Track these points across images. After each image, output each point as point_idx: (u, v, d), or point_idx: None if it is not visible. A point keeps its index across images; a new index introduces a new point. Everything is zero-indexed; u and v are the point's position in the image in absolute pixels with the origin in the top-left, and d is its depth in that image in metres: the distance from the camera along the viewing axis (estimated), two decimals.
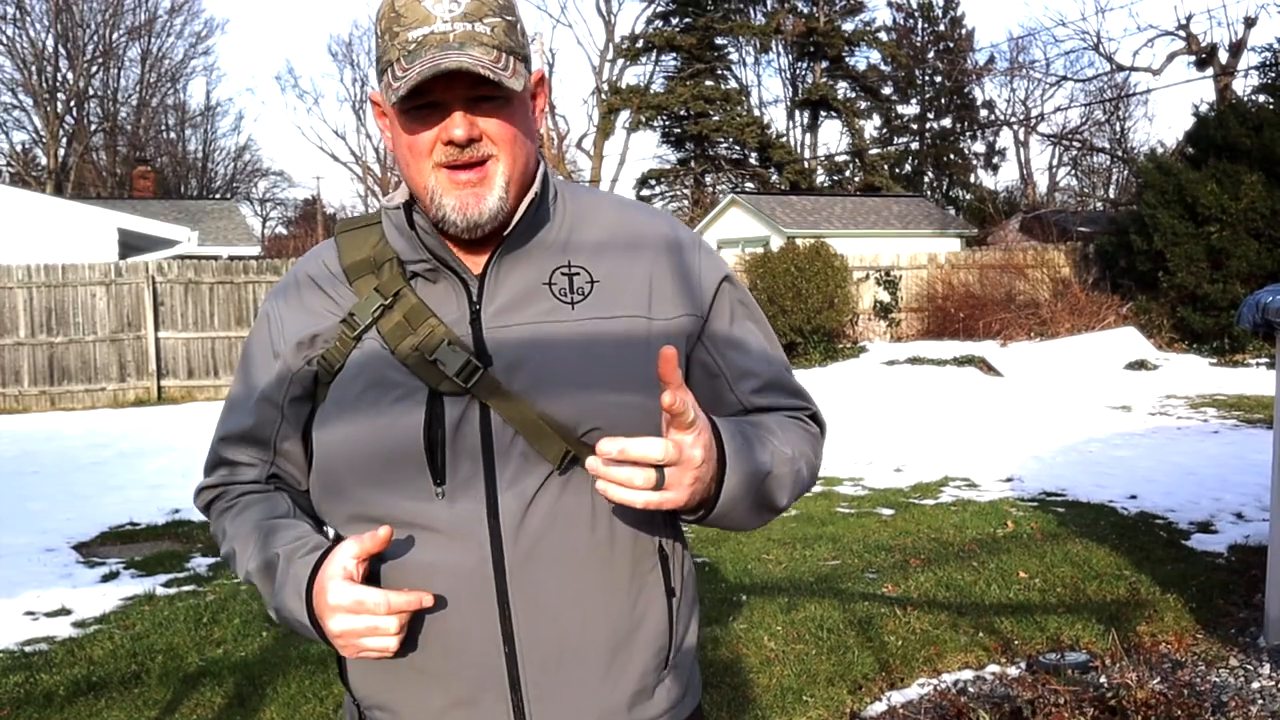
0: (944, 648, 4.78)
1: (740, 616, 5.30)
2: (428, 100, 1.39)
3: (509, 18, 1.42)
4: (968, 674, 4.53)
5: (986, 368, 17.23)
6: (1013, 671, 4.50)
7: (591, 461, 1.29)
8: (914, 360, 18.25)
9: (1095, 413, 12.72)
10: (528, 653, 1.43)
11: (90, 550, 7.18)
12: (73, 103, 44.80)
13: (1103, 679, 4.21)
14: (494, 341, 1.45)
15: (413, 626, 1.42)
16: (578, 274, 1.50)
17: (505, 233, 1.47)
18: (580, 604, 1.45)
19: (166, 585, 6.30)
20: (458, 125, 1.38)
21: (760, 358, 1.58)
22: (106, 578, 6.51)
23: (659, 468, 1.28)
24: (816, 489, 8.67)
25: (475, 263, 1.48)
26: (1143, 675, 4.22)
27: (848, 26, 45.45)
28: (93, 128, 46.19)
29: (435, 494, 1.42)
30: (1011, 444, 10.39)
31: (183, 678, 4.75)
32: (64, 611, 5.83)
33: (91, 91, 45.73)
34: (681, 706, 1.56)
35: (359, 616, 1.35)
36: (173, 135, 51.06)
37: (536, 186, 1.48)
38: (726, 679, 4.50)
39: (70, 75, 44.39)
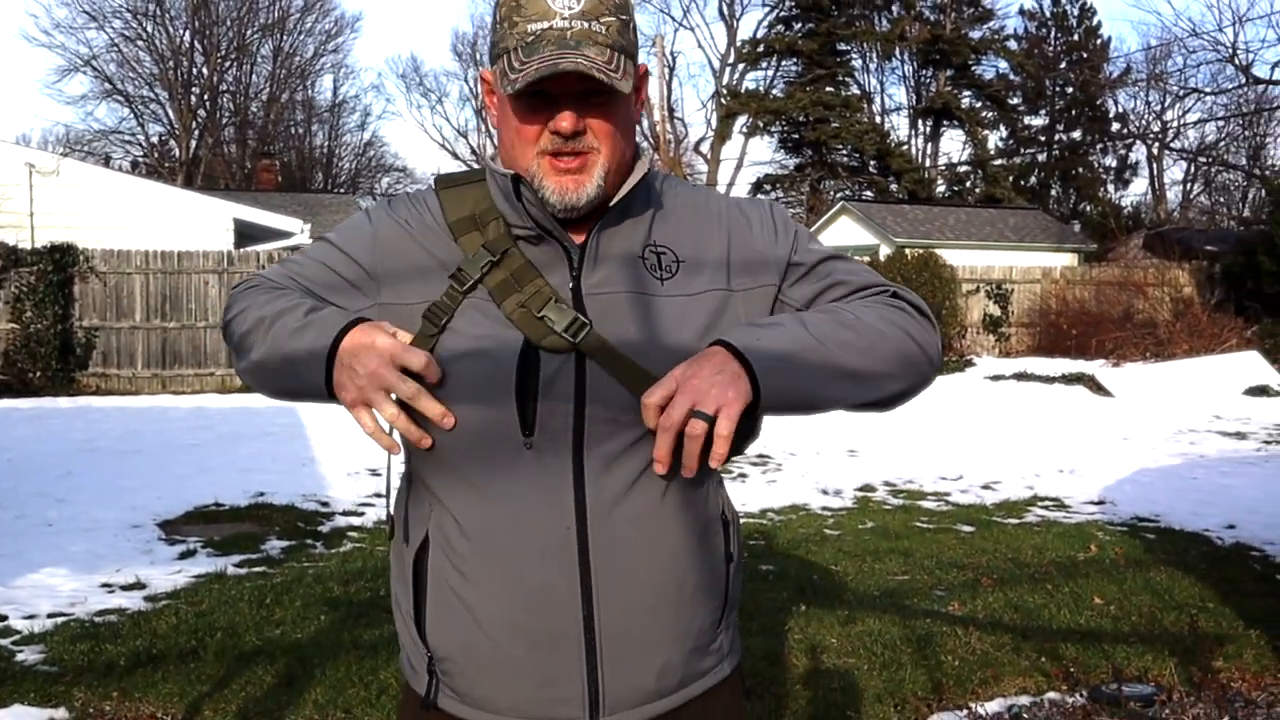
0: (1002, 671, 4.60)
1: (796, 627, 5.19)
2: (538, 90, 1.47)
3: (623, 17, 1.50)
4: (1024, 700, 4.35)
5: (1096, 387, 16.70)
6: (1071, 700, 4.31)
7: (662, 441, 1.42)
8: (1021, 376, 17.80)
9: (1206, 438, 12.23)
10: (604, 606, 1.51)
11: (173, 528, 7.36)
12: (206, 97, 46.35)
13: (1165, 714, 4.01)
14: (593, 305, 1.53)
15: (496, 577, 1.51)
16: (664, 253, 1.59)
17: (611, 204, 1.55)
18: (653, 562, 1.53)
19: (239, 565, 6.43)
20: (565, 119, 1.47)
21: (841, 278, 1.64)
22: (184, 555, 6.66)
23: (701, 415, 1.39)
24: (897, 502, 8.50)
25: (575, 234, 1.56)
26: (1209, 712, 4.01)
27: (975, 35, 44.57)
28: (224, 121, 47.73)
29: (523, 444, 1.49)
30: (1111, 466, 10.02)
31: (238, 655, 4.82)
32: (139, 586, 5.98)
33: (224, 86, 47.29)
34: (726, 663, 1.66)
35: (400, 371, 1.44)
36: (300, 130, 52.49)
37: (641, 171, 1.57)
38: (772, 689, 4.40)
39: (205, 70, 45.95)
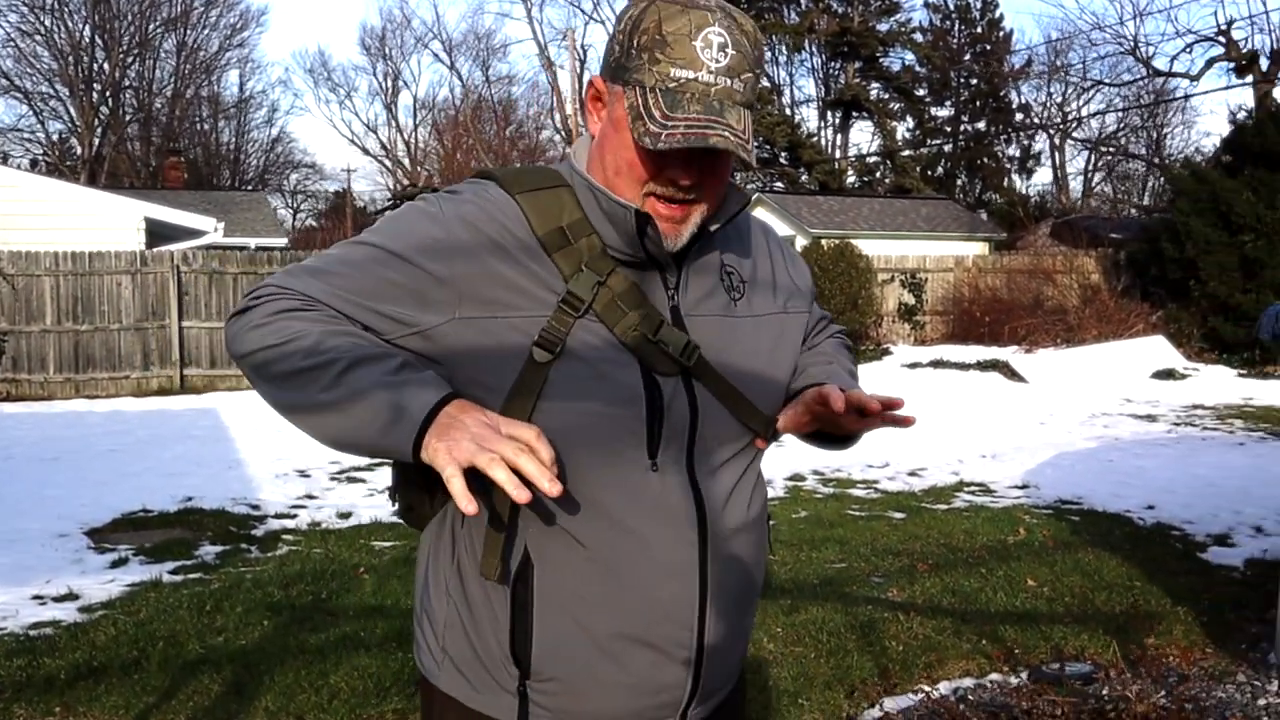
0: (945, 654, 4.72)
1: None
2: (692, 158, 1.49)
3: (758, 71, 1.49)
4: (968, 682, 4.47)
5: (1010, 373, 17.09)
6: (1014, 680, 4.44)
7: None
8: (937, 364, 18.15)
9: (1118, 421, 12.60)
10: (712, 614, 1.57)
11: (102, 536, 7.20)
12: (108, 93, 45.21)
13: (1104, 691, 4.14)
14: (692, 326, 1.57)
15: (622, 596, 1.52)
16: (733, 273, 1.65)
17: (711, 230, 1.58)
18: (743, 569, 1.63)
19: (174, 572, 6.32)
20: (685, 175, 1.48)
21: (822, 312, 1.91)
22: (116, 564, 6.53)
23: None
24: (828, 491, 8.64)
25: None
26: (1146, 688, 4.15)
27: (882, 27, 45.18)
28: (127, 118, 46.60)
29: (649, 467, 1.51)
30: (1031, 451, 10.29)
31: (182, 664, 4.75)
32: (72, 597, 5.85)
33: (127, 82, 46.19)
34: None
35: (514, 440, 1.35)
36: (206, 127, 51.49)
37: (738, 205, 1.61)
38: None
39: (106, 66, 44.81)
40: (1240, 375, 16.99)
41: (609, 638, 1.53)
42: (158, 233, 18.26)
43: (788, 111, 47.13)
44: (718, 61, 1.43)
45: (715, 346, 1.58)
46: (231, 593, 5.81)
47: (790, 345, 1.73)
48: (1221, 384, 16.11)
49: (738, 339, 1.62)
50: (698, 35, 1.43)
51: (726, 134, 1.42)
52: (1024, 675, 4.49)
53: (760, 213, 29.23)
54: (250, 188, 45.93)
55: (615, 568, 1.51)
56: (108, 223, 17.28)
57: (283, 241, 26.05)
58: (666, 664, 1.56)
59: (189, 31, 47.58)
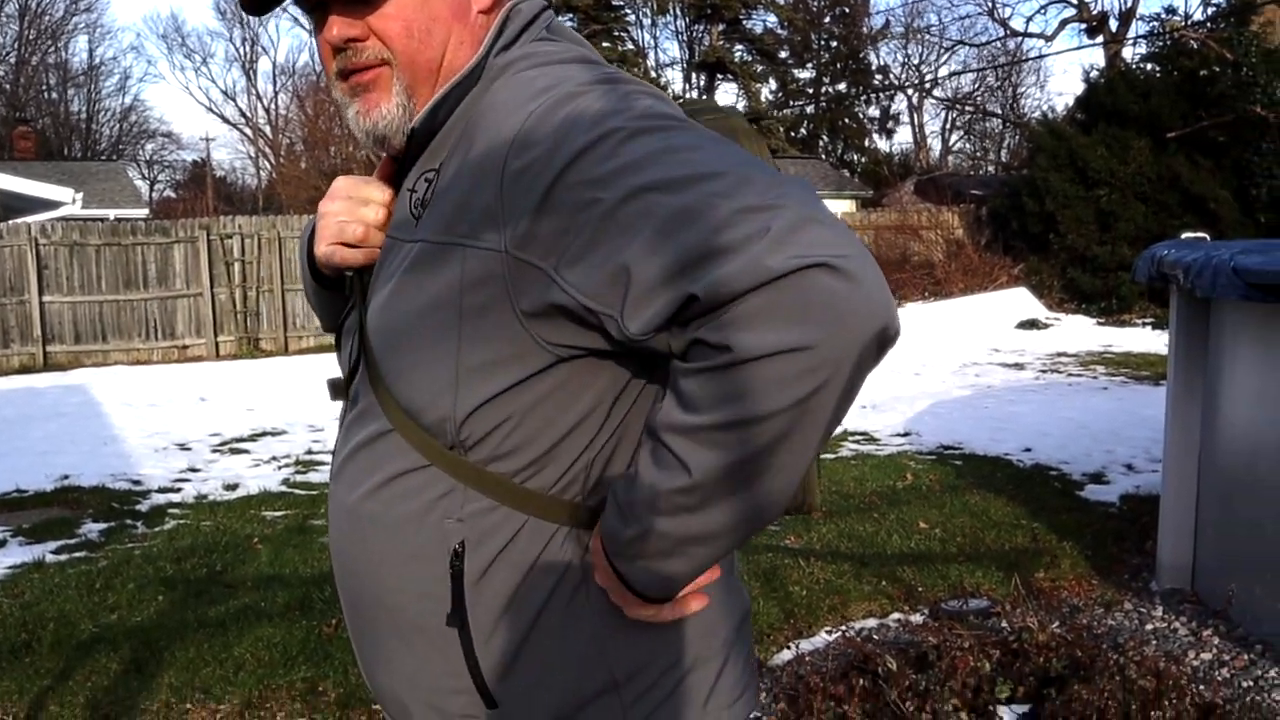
0: (848, 597, 4.84)
1: None
2: (313, 3, 1.26)
3: None
4: (872, 622, 4.60)
5: None
6: (916, 619, 4.57)
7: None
8: None
9: (989, 370, 13.00)
10: (342, 589, 1.36)
11: None
12: None
13: (1004, 624, 4.30)
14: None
15: None
16: (432, 179, 1.23)
17: (413, 126, 1.27)
18: (345, 560, 1.33)
19: (56, 552, 6.10)
20: (332, 27, 1.23)
21: (639, 294, 1.04)
22: None
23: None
24: None
25: None
26: (1043, 619, 4.33)
27: None
28: None
29: (344, 404, 1.40)
30: (909, 400, 10.56)
31: (76, 645, 4.60)
32: None
33: None
34: None
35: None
36: (54, 95, 49.22)
37: (449, 84, 1.25)
38: None
39: None
40: (1099, 324, 17.68)
41: None
42: (10, 205, 17.38)
43: (653, 74, 47.10)
44: None
45: (374, 277, 1.31)
46: (121, 570, 5.63)
47: (438, 294, 1.17)
48: (1082, 332, 16.75)
49: (383, 274, 1.28)
50: None
51: None
52: (925, 613, 4.64)
53: None
54: (104, 158, 44.16)
55: None
56: None
57: (143, 212, 25.14)
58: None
59: None
